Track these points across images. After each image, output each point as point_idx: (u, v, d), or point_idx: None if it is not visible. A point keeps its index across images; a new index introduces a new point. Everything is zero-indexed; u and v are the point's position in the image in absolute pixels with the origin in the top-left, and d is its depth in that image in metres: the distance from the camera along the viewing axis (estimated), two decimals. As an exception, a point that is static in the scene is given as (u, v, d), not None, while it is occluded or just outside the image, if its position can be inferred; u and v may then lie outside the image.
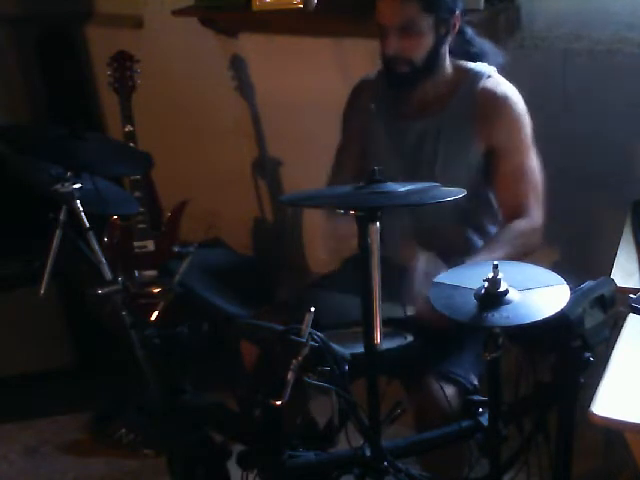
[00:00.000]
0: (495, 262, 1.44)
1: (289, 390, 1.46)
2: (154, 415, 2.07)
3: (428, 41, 2.03)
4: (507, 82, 2.11)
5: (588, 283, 1.59)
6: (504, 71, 2.14)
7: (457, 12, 2.05)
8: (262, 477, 1.66)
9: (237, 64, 3.10)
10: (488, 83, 2.09)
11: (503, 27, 2.59)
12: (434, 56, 2.06)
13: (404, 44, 2.03)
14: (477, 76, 2.10)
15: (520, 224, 2.05)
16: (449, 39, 2.07)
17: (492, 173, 2.11)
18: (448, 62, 2.11)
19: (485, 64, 2.13)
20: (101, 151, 1.95)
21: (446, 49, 2.09)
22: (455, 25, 2.06)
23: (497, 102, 2.06)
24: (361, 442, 1.61)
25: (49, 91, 3.58)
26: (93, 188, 1.89)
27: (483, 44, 2.18)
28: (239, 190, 3.30)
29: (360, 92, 2.26)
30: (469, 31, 2.17)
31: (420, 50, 2.03)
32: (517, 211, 2.07)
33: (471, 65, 2.13)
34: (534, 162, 2.09)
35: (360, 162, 2.24)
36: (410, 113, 2.14)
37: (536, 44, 2.57)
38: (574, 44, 2.51)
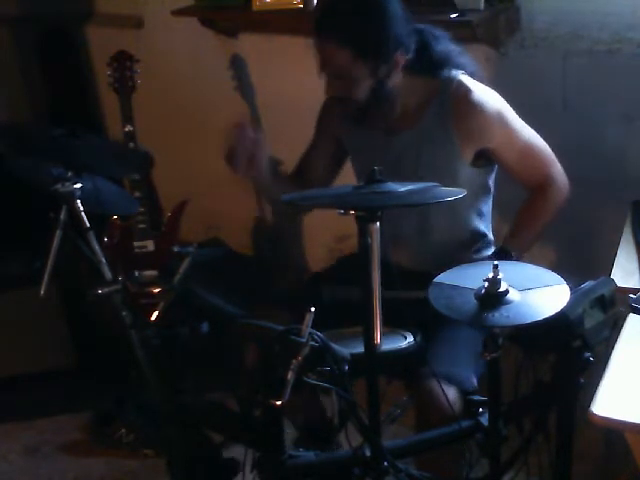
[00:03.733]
0: (495, 262, 1.45)
1: (289, 390, 1.46)
2: (154, 415, 2.07)
3: (366, 84, 1.97)
4: (476, 82, 2.05)
5: (588, 283, 1.60)
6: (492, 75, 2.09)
7: (398, 52, 1.96)
8: (262, 477, 1.66)
9: (237, 64, 3.09)
10: (458, 89, 2.02)
11: (503, 27, 2.59)
12: (379, 92, 1.99)
13: (341, 87, 2.00)
14: (446, 84, 2.04)
15: (549, 195, 2.09)
16: (394, 75, 1.99)
17: (501, 165, 2.11)
18: (407, 80, 2.03)
19: (454, 70, 2.06)
20: (101, 151, 1.95)
21: (395, 79, 2.00)
22: (398, 64, 1.98)
23: (473, 109, 2.01)
24: (361, 442, 1.61)
25: (49, 91, 3.58)
26: (93, 188, 1.90)
27: (450, 53, 2.08)
28: (239, 190, 3.30)
29: (335, 100, 2.17)
30: (435, 40, 2.07)
31: (359, 93, 1.98)
32: (541, 183, 2.09)
33: (439, 73, 2.06)
34: (531, 133, 2.08)
35: (328, 165, 2.29)
36: (388, 127, 2.09)
37: (536, 44, 2.57)
38: (574, 44, 2.51)
